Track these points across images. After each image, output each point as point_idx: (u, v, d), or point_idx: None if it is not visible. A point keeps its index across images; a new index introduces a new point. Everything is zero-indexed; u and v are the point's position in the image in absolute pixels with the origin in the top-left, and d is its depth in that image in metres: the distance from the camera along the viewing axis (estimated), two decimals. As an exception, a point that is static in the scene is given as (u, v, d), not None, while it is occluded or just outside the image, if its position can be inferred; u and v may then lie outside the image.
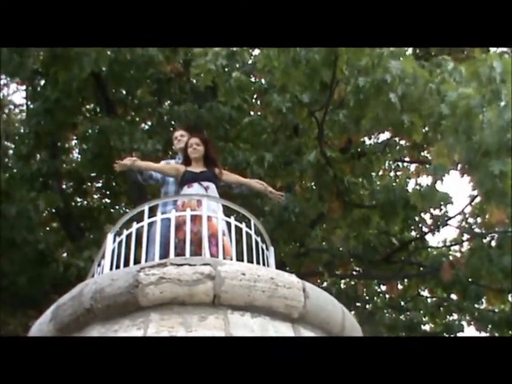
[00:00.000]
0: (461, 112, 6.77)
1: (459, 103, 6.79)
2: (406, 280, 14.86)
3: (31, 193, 10.38)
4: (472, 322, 15.23)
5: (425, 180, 13.19)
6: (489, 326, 14.48)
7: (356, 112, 8.53)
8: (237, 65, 10.05)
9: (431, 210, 12.46)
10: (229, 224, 5.31)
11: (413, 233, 14.10)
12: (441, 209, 11.59)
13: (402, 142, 13.67)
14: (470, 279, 12.11)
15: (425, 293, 15.92)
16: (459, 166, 8.57)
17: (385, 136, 13.68)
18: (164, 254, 4.86)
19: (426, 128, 10.01)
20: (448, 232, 38.79)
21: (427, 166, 12.48)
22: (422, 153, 13.75)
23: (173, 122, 12.14)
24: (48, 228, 12.84)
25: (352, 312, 13.60)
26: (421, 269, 13.77)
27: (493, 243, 11.66)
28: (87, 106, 13.33)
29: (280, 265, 6.03)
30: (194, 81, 12.52)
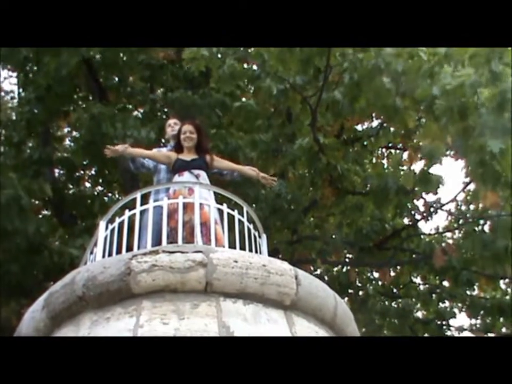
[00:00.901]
0: (455, 90, 6.73)
1: (453, 82, 6.75)
2: (398, 267, 14.91)
3: (23, 180, 10.33)
4: (463, 309, 15.32)
5: (419, 167, 13.21)
6: (481, 312, 14.56)
7: (351, 91, 8.50)
8: (230, 52, 10.01)
9: (425, 195, 12.50)
10: (221, 211, 5.32)
11: (406, 220, 14.14)
12: (436, 193, 11.58)
13: (395, 129, 13.65)
14: (462, 265, 12.16)
15: (418, 280, 16.00)
16: (452, 150, 8.59)
17: (378, 122, 13.69)
18: (156, 241, 4.86)
19: (420, 115, 10.04)
20: (441, 219, 38.93)
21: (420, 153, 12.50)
22: (415, 141, 13.73)
23: (166, 110, 12.11)
24: (40, 216, 12.79)
25: (345, 299, 13.68)
26: (413, 255, 13.84)
27: (486, 228, 11.71)
28: (79, 94, 13.26)
29: (273, 253, 6.05)
30: (187, 67, 12.49)
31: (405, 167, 13.49)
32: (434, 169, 9.40)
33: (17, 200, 9.48)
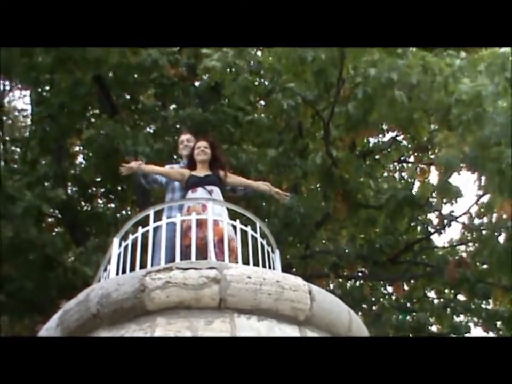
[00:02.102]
0: (471, 100, 6.72)
1: (470, 92, 6.74)
2: (412, 280, 14.84)
3: (36, 190, 10.33)
4: (479, 323, 15.19)
5: (432, 180, 13.17)
6: (497, 324, 14.44)
7: (364, 104, 8.50)
8: (243, 65, 10.05)
9: (440, 207, 12.45)
10: (234, 227, 5.31)
11: (419, 233, 14.08)
12: (455, 202, 11.51)
13: (407, 143, 13.67)
14: (478, 278, 12.07)
15: (432, 294, 15.90)
16: (466, 162, 8.55)
17: (391, 135, 13.70)
18: (170, 258, 4.85)
19: (432, 127, 10.03)
20: (454, 232, 38.71)
21: (432, 166, 12.48)
22: (427, 154, 13.72)
23: (177, 126, 12.14)
24: (53, 233, 12.83)
25: (359, 314, 13.60)
26: (427, 269, 13.76)
27: (501, 239, 11.61)
28: (92, 112, 13.34)
29: (286, 268, 6.03)
30: (199, 82, 12.56)
31: (417, 181, 13.47)
32: (452, 180, 9.36)
33: (34, 210, 9.50)
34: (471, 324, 15.41)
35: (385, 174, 15.23)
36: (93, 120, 13.08)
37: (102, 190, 14.07)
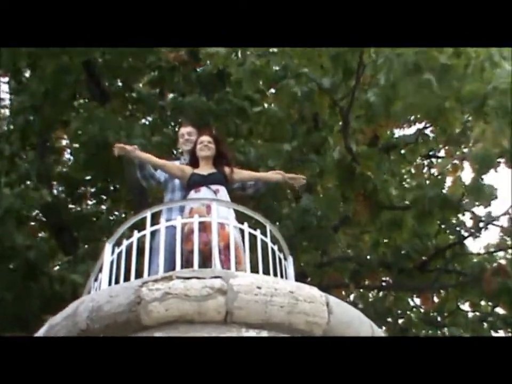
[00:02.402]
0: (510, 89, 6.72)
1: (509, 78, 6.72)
2: (443, 291, 14.81)
3: (17, 189, 10.33)
4: (521, 339, 15.14)
5: (465, 177, 13.16)
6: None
7: (388, 91, 8.47)
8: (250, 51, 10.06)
9: (476, 207, 12.43)
10: (241, 231, 5.31)
11: (451, 237, 14.04)
12: (488, 205, 11.46)
13: (437, 135, 13.61)
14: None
15: (466, 307, 15.85)
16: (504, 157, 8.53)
17: (418, 126, 13.66)
18: (170, 266, 4.86)
19: (465, 117, 10.00)
20: (491, 236, 38.58)
21: (466, 160, 12.44)
22: (460, 148, 13.69)
23: (177, 118, 12.15)
24: (37, 239, 12.84)
25: (383, 329, 13.60)
26: (460, 278, 13.72)
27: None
28: (80, 101, 13.35)
29: (300, 277, 6.04)
30: (202, 68, 12.53)
31: (448, 178, 13.42)
32: (487, 179, 9.28)
33: (14, 212, 9.51)
34: (511, 340, 15.34)
35: (412, 170, 15.21)
36: (81, 110, 13.10)
37: (93, 189, 14.12)
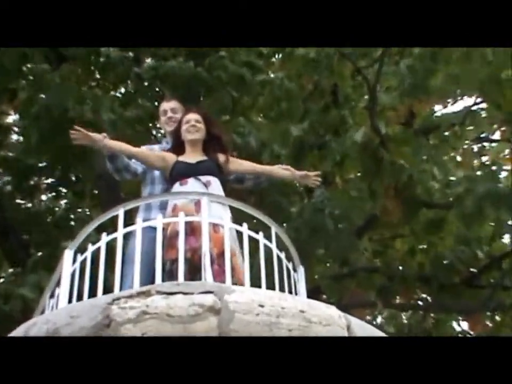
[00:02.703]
0: None
1: None
2: (498, 312, 14.83)
3: None
4: None
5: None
6: None
7: (426, 59, 8.48)
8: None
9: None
10: (239, 234, 5.33)
11: (507, 243, 14.05)
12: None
13: (490, 114, 13.61)
14: None
15: (527, 332, 15.90)
16: None
17: (465, 103, 13.68)
18: (147, 278, 4.89)
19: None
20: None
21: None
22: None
23: (156, 88, 12.17)
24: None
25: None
26: (520, 296, 13.76)
27: None
28: (31, 65, 13.30)
29: (313, 292, 6.08)
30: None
31: (506, 168, 13.44)
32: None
33: None
34: None
35: (458, 158, 15.22)
36: (32, 78, 13.04)
37: (48, 180, 14.09)
